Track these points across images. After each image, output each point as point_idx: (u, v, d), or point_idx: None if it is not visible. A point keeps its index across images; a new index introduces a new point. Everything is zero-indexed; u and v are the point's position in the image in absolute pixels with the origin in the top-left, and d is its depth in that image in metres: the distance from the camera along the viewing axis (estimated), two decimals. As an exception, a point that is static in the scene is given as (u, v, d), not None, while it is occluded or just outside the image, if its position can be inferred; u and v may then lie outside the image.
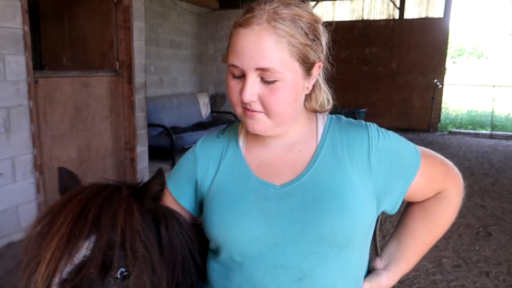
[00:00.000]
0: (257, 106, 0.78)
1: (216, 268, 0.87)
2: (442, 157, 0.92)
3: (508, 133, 9.08)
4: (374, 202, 0.83)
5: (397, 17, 8.94)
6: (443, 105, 9.99)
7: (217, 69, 7.48)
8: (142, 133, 4.54)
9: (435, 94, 9.09)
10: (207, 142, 0.93)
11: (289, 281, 0.80)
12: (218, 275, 0.87)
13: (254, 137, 0.88)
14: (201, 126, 6.48)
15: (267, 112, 0.78)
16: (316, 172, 0.82)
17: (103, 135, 4.17)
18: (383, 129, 0.86)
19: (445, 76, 9.40)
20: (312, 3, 9.92)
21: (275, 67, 0.74)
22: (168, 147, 5.39)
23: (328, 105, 0.91)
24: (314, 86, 0.87)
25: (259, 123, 0.80)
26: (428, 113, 9.17)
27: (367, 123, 0.88)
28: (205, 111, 7.00)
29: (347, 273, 0.83)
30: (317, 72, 0.83)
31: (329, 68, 0.89)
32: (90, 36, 4.32)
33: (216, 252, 0.86)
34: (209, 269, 0.90)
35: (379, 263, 0.95)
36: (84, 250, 0.69)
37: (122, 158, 4.46)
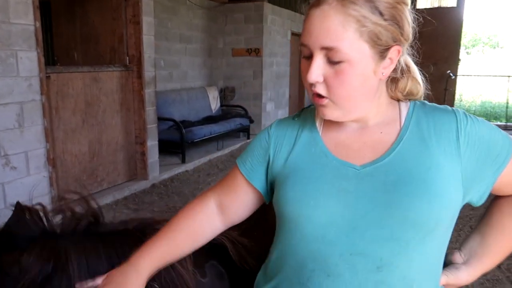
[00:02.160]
0: (321, 89, 0.76)
1: (286, 254, 0.83)
2: None
3: (524, 125, 8.91)
4: (461, 189, 0.77)
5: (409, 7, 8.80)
6: (457, 96, 9.85)
7: (227, 63, 7.48)
8: (152, 127, 4.59)
9: (448, 85, 8.97)
10: (283, 123, 0.91)
11: (366, 271, 0.75)
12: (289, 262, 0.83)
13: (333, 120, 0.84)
14: (210, 119, 6.51)
15: (331, 96, 0.76)
16: (400, 154, 0.78)
17: (113, 129, 4.23)
18: (471, 114, 0.82)
19: (459, 67, 9.26)
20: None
21: (340, 47, 0.71)
22: (178, 141, 5.44)
23: (417, 95, 0.86)
24: (402, 73, 0.83)
25: (328, 109, 0.78)
26: (441, 104, 9.05)
27: (454, 108, 0.83)
28: (214, 104, 7.03)
29: (427, 266, 0.79)
30: (397, 57, 0.77)
31: (415, 55, 0.84)
32: (101, 31, 4.37)
33: (288, 235, 0.83)
34: (278, 256, 0.86)
35: (458, 257, 0.89)
36: None
37: (132, 152, 4.52)
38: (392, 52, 0.76)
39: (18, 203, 0.89)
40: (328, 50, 0.73)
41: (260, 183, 0.90)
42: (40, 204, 0.92)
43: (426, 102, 0.86)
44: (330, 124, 0.86)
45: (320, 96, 0.77)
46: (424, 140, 0.79)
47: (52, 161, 3.43)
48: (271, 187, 0.91)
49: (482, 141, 0.78)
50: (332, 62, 0.73)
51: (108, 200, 4.06)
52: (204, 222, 0.92)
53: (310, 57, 0.76)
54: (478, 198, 0.81)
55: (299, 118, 0.91)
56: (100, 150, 4.11)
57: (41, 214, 0.91)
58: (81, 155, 3.91)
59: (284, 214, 0.82)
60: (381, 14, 0.72)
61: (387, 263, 0.75)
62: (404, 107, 0.85)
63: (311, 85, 0.77)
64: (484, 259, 0.87)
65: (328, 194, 0.78)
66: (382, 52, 0.75)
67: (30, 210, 0.89)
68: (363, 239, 0.75)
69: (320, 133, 0.86)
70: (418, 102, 0.85)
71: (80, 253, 0.87)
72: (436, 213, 0.74)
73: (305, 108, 0.93)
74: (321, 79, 0.75)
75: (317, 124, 0.88)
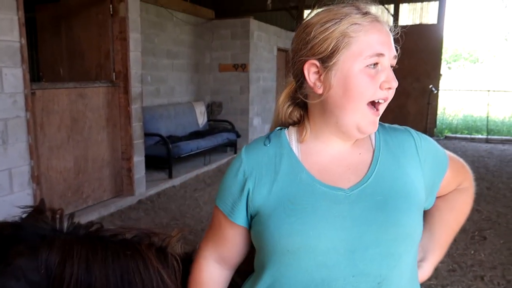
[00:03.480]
0: (391, 95, 0.81)
1: (282, 285, 0.82)
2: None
3: (504, 138, 9.14)
4: (425, 198, 0.88)
5: (391, 23, 9.03)
6: (439, 110, 10.06)
7: (214, 78, 7.53)
8: (138, 142, 4.57)
9: (431, 100, 9.16)
10: (254, 151, 0.88)
11: None
12: None
13: (310, 144, 0.87)
14: (198, 134, 6.51)
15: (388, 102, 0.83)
16: (380, 174, 0.84)
17: (99, 145, 4.20)
18: (417, 131, 0.93)
19: (441, 82, 9.48)
20: (307, 11, 10.03)
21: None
22: (165, 156, 5.42)
23: None
24: None
25: (377, 122, 0.84)
26: (424, 119, 9.23)
27: (404, 126, 0.94)
28: (201, 119, 7.04)
29: (412, 273, 0.86)
30: None
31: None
32: (87, 47, 4.38)
33: (283, 267, 0.81)
34: (270, 285, 0.85)
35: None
36: None
37: (119, 168, 4.48)
38: None
39: (42, 200, 1.02)
40: (394, 58, 0.82)
41: (244, 220, 0.89)
42: (60, 208, 1.04)
43: (380, 122, 0.92)
44: (309, 148, 0.87)
45: (382, 103, 0.81)
46: (395, 157, 0.87)
47: (36, 178, 3.38)
48: (251, 218, 0.89)
49: (432, 154, 0.91)
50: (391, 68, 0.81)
51: (93, 216, 4.01)
52: (218, 285, 0.95)
53: (375, 67, 0.80)
54: (429, 203, 0.93)
55: (270, 143, 0.88)
56: (86, 167, 4.07)
57: (57, 216, 1.02)
58: (66, 171, 3.86)
59: (278, 247, 0.80)
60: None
61: (385, 278, 0.79)
62: None
63: (376, 96, 0.80)
64: (437, 251, 0.97)
65: (325, 222, 0.78)
66: None
67: (51, 210, 1.01)
68: (363, 259, 0.78)
69: (300, 159, 0.85)
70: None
71: (82, 254, 0.96)
72: (417, 223, 0.83)
73: (272, 132, 0.91)
74: None
75: (294, 149, 0.87)
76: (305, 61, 0.82)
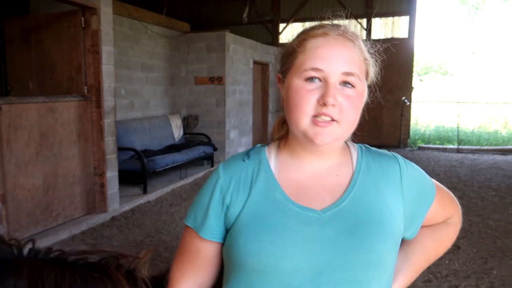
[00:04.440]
0: (335, 112, 0.76)
1: None
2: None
3: (474, 147, 9.43)
4: (403, 228, 0.85)
5: (364, 37, 9.25)
6: (412, 121, 10.31)
7: (190, 91, 7.48)
8: (111, 157, 4.46)
9: (404, 111, 9.39)
10: (232, 166, 0.86)
11: None
12: None
13: (288, 160, 0.86)
14: (173, 148, 6.42)
15: (339, 119, 0.77)
16: (356, 198, 0.81)
17: (70, 161, 4.07)
18: (407, 160, 0.90)
19: (413, 94, 9.74)
20: (282, 25, 10.17)
21: (358, 73, 0.79)
22: (139, 171, 5.31)
23: None
24: None
25: (329, 134, 0.77)
26: (397, 130, 9.43)
27: (393, 152, 0.91)
28: (177, 133, 6.96)
29: None
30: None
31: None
32: (58, 60, 4.27)
33: (247, 285, 0.80)
34: None
35: None
36: None
37: (91, 184, 4.35)
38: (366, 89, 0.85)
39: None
40: (346, 75, 0.77)
41: (220, 236, 0.86)
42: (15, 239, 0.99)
43: (368, 146, 0.92)
44: (287, 166, 0.86)
45: (325, 120, 0.77)
46: (375, 183, 0.84)
47: (2, 197, 3.23)
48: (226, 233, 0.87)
49: (418, 184, 0.89)
50: (346, 86, 0.78)
51: (64, 235, 3.86)
52: None
53: (315, 81, 0.78)
54: (411, 233, 0.90)
55: (248, 159, 0.87)
56: (56, 183, 3.93)
57: (17, 243, 0.97)
58: (35, 189, 3.71)
59: (244, 265, 0.79)
60: (367, 51, 0.83)
61: None
62: (353, 149, 0.90)
63: (317, 110, 0.76)
64: (408, 274, 0.94)
65: (293, 243, 0.77)
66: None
67: (10, 238, 0.96)
68: (328, 284, 0.76)
69: (276, 176, 0.84)
70: (363, 146, 0.91)
71: (51, 278, 0.92)
72: (390, 251, 0.80)
73: (252, 148, 0.91)
74: (337, 103, 0.77)
75: (272, 166, 0.86)
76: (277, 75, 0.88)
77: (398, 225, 0.82)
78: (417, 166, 0.92)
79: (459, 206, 1.01)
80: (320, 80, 0.77)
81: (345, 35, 0.80)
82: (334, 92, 0.76)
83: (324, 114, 0.76)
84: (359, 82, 0.79)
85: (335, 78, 0.77)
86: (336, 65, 0.77)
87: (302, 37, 0.81)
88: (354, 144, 0.91)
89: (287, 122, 0.84)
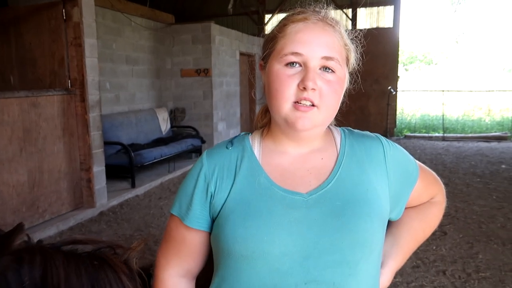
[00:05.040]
0: (315, 97, 0.76)
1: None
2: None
3: (459, 135, 9.59)
4: (389, 208, 0.85)
5: (349, 27, 9.28)
6: (398, 110, 10.41)
7: (176, 84, 7.41)
8: (98, 152, 4.40)
9: (390, 101, 9.46)
10: (216, 154, 0.87)
11: None
12: None
13: (271, 146, 0.86)
14: (161, 141, 6.37)
15: (319, 104, 0.77)
16: (341, 179, 0.82)
17: (56, 156, 4.00)
18: (389, 140, 0.91)
19: (398, 83, 9.83)
20: (268, 16, 10.11)
21: (338, 58, 0.78)
22: (127, 165, 5.25)
23: None
24: None
25: (309, 119, 0.77)
26: (384, 119, 9.52)
27: (375, 134, 0.92)
28: (165, 126, 6.90)
29: (372, 282, 0.83)
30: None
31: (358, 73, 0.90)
32: (39, 54, 4.17)
33: (236, 272, 0.80)
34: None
35: None
36: None
37: (77, 179, 4.29)
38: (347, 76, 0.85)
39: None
40: (326, 60, 0.77)
41: (208, 225, 0.86)
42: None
43: (351, 129, 0.92)
44: (271, 151, 0.86)
45: (306, 105, 0.77)
46: (359, 164, 0.85)
47: (-15, 194, 3.16)
48: (212, 222, 0.87)
49: (401, 164, 0.89)
50: (327, 71, 0.78)
51: (51, 232, 3.80)
52: None
53: (295, 66, 0.78)
54: (396, 214, 0.91)
55: (232, 146, 0.87)
56: (41, 179, 3.86)
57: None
58: (20, 185, 3.64)
59: (232, 251, 0.78)
60: (348, 39, 0.83)
61: (339, 286, 0.77)
62: (336, 133, 0.90)
63: (297, 96, 0.77)
64: (398, 258, 0.94)
65: (280, 227, 0.77)
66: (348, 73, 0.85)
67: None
68: (316, 266, 0.76)
69: (260, 162, 0.85)
70: (346, 129, 0.91)
71: (63, 264, 0.92)
72: (377, 231, 0.80)
73: (236, 136, 0.91)
74: (317, 87, 0.76)
75: (256, 152, 0.86)
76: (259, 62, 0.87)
77: (384, 205, 0.83)
78: (400, 147, 0.92)
79: (442, 185, 1.02)
80: (300, 65, 0.78)
81: (325, 20, 0.80)
82: (313, 76, 0.76)
83: (305, 99, 0.76)
84: (339, 67, 0.79)
85: (314, 63, 0.77)
86: (316, 49, 0.77)
87: (283, 23, 0.82)
88: (337, 127, 0.92)
89: (269, 109, 0.85)
